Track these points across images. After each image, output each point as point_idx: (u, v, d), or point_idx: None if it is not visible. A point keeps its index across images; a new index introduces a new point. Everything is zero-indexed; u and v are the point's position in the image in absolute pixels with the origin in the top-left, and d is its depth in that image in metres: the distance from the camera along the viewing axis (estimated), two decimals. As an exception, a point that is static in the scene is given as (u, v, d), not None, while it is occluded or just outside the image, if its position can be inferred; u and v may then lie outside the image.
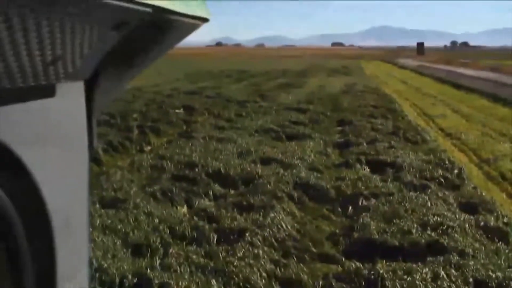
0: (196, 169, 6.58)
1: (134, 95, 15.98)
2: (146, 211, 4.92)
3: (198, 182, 6.10)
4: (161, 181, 6.08)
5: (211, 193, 5.78)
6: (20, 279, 1.57)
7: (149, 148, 8.51)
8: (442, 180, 6.15)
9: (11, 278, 1.56)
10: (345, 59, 66.54)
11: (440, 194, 5.52)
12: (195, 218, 4.81)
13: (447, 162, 7.06)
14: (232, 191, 5.84)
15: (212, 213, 4.93)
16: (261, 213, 4.90)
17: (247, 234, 4.33)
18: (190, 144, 8.37)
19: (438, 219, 4.65)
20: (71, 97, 1.82)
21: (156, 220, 4.67)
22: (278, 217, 4.80)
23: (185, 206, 5.38)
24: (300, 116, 11.99)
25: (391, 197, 5.44)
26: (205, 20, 2.30)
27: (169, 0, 1.87)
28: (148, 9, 1.69)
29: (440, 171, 6.51)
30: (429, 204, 5.16)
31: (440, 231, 4.38)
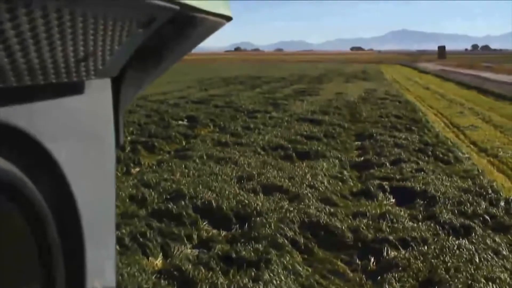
0: (183, 202, 5.38)
1: (137, 105, 14.84)
2: (102, 269, 3.73)
3: (182, 221, 4.91)
4: (136, 220, 4.90)
5: (195, 236, 4.60)
6: (51, 275, 1.51)
7: (137, 170, 7.34)
8: (488, 218, 4.88)
9: (43, 274, 1.50)
10: (364, 63, 65.11)
11: (488, 242, 4.24)
12: (163, 281, 3.61)
13: (489, 190, 5.77)
14: (222, 234, 4.66)
15: (187, 273, 3.71)
16: (253, 274, 3.68)
17: (226, 315, 3.12)
18: (183, 166, 7.17)
19: (493, 286, 3.40)
20: (99, 94, 1.82)
21: (110, 287, 3.47)
22: (274, 280, 3.58)
23: (160, 257, 4.20)
24: (314, 128, 10.73)
25: (425, 246, 4.19)
26: (228, 18, 2.29)
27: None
28: (176, 6, 1.69)
29: (483, 205, 5.24)
30: (476, 258, 3.90)
31: (499, 308, 3.13)
